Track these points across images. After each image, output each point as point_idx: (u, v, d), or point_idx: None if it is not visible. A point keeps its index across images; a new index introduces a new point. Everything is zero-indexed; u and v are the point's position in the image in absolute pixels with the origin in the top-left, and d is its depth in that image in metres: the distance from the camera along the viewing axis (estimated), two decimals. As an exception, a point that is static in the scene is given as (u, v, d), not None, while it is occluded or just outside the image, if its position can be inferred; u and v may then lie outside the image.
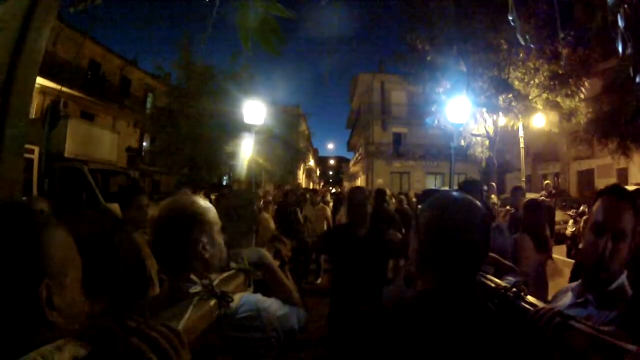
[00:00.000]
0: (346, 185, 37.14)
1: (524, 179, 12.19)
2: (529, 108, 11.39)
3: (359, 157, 31.65)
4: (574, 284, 1.28)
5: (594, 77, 12.14)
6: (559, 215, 9.79)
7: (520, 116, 11.46)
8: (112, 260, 2.10)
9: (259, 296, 1.14)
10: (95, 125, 11.70)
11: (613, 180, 14.18)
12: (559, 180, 20.06)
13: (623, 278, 1.13)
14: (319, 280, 6.86)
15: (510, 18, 1.59)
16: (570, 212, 10.05)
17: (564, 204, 12.09)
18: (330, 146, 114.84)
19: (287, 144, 18.89)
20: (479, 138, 13.14)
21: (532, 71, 11.22)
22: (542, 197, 8.49)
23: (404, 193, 10.40)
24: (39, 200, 2.73)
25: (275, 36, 1.32)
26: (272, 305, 1.15)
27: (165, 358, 0.60)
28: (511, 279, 1.12)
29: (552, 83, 11.19)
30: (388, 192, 7.99)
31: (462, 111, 7.50)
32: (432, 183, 24.41)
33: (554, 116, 11.85)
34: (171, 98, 13.50)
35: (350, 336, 0.90)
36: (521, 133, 12.10)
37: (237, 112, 10.47)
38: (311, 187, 29.50)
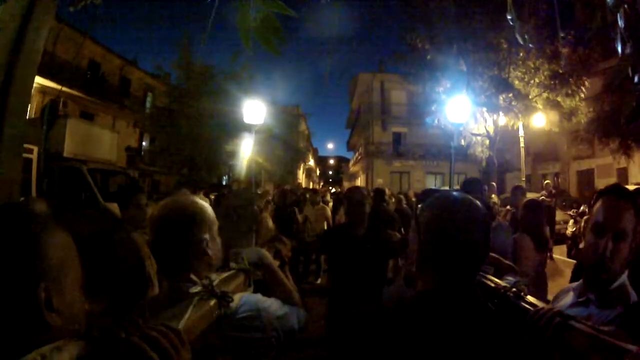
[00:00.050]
0: (346, 185, 37.13)
1: (524, 179, 12.19)
2: (529, 107, 11.39)
3: (359, 157, 31.65)
4: (576, 283, 1.28)
5: (595, 77, 12.13)
6: (559, 215, 9.79)
7: (520, 116, 11.46)
8: (111, 260, 2.10)
9: (259, 296, 1.14)
10: (95, 125, 11.69)
11: (613, 180, 14.19)
12: (559, 180, 20.06)
13: (624, 278, 1.13)
14: (319, 281, 6.86)
15: (509, 17, 1.59)
16: (570, 212, 10.05)
17: (564, 203, 12.10)
18: (330, 146, 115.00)
19: (287, 143, 18.91)
20: (479, 137, 13.14)
21: (533, 70, 11.22)
22: (543, 197, 8.49)
23: (403, 193, 10.40)
24: (37, 200, 2.71)
25: (276, 36, 1.31)
26: (272, 305, 1.15)
27: (166, 357, 0.60)
28: (511, 279, 1.12)
29: (552, 82, 11.20)
30: (387, 191, 7.99)
31: (462, 111, 7.50)
32: (432, 183, 24.40)
33: (554, 116, 11.85)
34: (171, 98, 13.50)
35: (350, 336, 0.89)
36: (521, 132, 12.10)
37: (236, 112, 10.47)
38: (311, 187, 29.49)
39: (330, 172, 63.41)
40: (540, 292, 2.79)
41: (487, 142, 12.79)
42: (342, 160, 60.52)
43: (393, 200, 7.92)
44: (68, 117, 8.69)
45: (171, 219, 1.08)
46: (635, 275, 1.20)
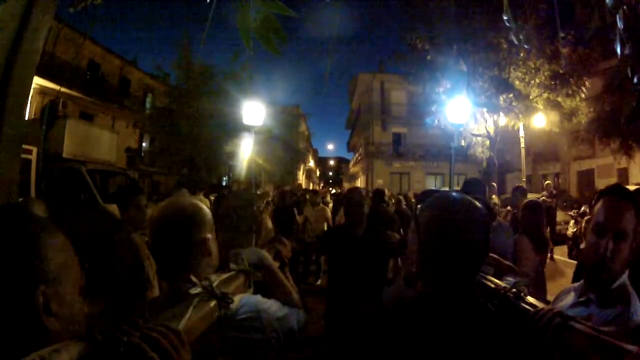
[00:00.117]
0: (346, 186, 37.14)
1: (524, 179, 12.19)
2: (530, 108, 11.39)
3: (359, 158, 31.65)
4: (577, 283, 1.28)
5: (595, 77, 12.14)
6: (559, 216, 9.79)
7: (521, 116, 11.46)
8: (110, 261, 2.09)
9: (258, 297, 1.14)
10: (94, 125, 11.69)
11: (613, 180, 14.18)
12: (559, 181, 20.06)
13: (624, 277, 1.14)
14: (319, 281, 6.86)
15: (505, 18, 1.59)
16: (571, 213, 10.05)
17: (564, 204, 12.10)
18: (330, 147, 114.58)
19: (286, 144, 18.89)
20: (479, 138, 13.13)
21: (533, 71, 11.22)
22: (543, 198, 8.49)
23: (403, 194, 10.41)
24: (36, 201, 2.71)
25: (277, 35, 1.31)
26: (272, 306, 1.15)
27: (166, 358, 0.60)
28: (511, 279, 1.12)
29: (552, 83, 11.20)
30: (387, 192, 7.99)
31: (463, 111, 7.51)
32: (432, 183, 24.40)
33: (554, 116, 11.85)
34: (171, 98, 13.49)
35: (350, 336, 0.89)
36: (522, 133, 12.10)
37: (236, 112, 10.47)
38: (311, 187, 29.50)
39: (330, 173, 63.43)
40: (539, 292, 2.79)
41: (488, 142, 12.78)
42: (342, 161, 60.54)
43: (393, 201, 7.92)
44: (67, 117, 8.68)
45: (171, 219, 1.08)
46: (635, 275, 1.20)
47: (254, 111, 7.47)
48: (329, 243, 2.77)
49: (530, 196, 5.52)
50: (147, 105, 21.32)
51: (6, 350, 0.55)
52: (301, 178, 31.63)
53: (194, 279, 1.00)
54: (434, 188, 20.69)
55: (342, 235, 2.67)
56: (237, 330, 1.03)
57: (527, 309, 0.86)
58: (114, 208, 3.57)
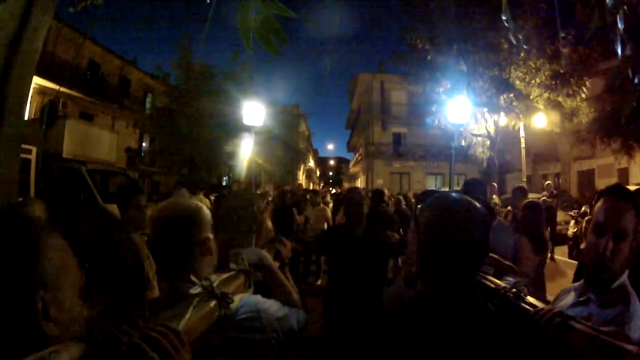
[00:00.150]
0: (346, 186, 37.14)
1: (524, 179, 12.18)
2: (530, 108, 11.38)
3: (359, 158, 31.65)
4: (577, 283, 1.28)
5: (596, 77, 12.12)
6: (560, 216, 9.78)
7: (521, 116, 11.45)
8: (110, 261, 2.09)
9: (258, 297, 1.14)
10: (94, 125, 11.68)
11: (614, 180, 14.17)
12: (560, 181, 20.05)
13: (624, 277, 1.14)
14: (319, 282, 6.86)
15: (504, 18, 1.59)
16: (571, 213, 10.04)
17: (565, 204, 12.09)
18: (330, 147, 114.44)
19: (286, 144, 18.89)
20: (479, 138, 13.12)
21: (533, 71, 11.20)
22: (544, 198, 8.49)
23: (402, 194, 10.40)
24: (35, 202, 2.71)
25: (277, 36, 1.31)
26: (272, 306, 1.15)
27: (166, 358, 0.60)
28: (511, 279, 1.12)
29: (553, 82, 11.18)
30: (387, 192, 7.99)
31: (463, 111, 7.50)
32: (432, 183, 24.38)
33: (555, 116, 11.84)
34: (171, 98, 13.49)
35: (350, 337, 0.89)
36: (522, 133, 12.09)
37: (236, 112, 10.47)
38: (311, 187, 29.50)
39: (331, 173, 63.43)
40: (539, 292, 2.79)
41: (488, 142, 12.77)
42: (342, 161, 60.54)
43: (392, 200, 7.92)
44: (67, 117, 8.68)
45: (171, 220, 1.08)
46: (635, 275, 1.20)
47: (254, 111, 7.47)
48: (328, 243, 2.78)
49: (531, 196, 5.51)
50: (147, 105, 21.32)
51: (5, 355, 0.55)
52: (301, 178, 31.63)
53: (194, 279, 1.00)
54: (434, 188, 20.68)
55: (342, 235, 2.67)
56: (237, 330, 1.04)
57: (527, 309, 0.87)
58: (113, 208, 3.57)
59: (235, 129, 12.46)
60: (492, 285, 1.00)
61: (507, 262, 1.45)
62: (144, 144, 21.70)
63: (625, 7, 1.56)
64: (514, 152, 15.19)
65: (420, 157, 24.68)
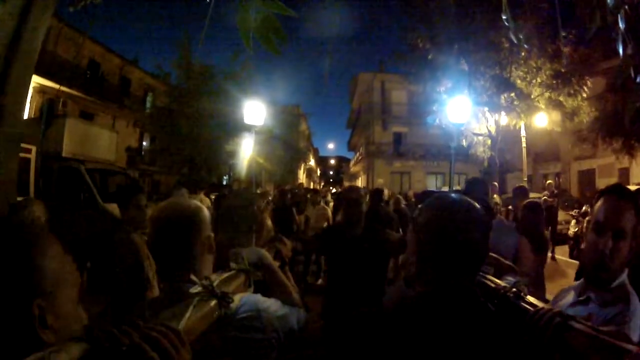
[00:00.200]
0: (347, 185, 37.14)
1: (525, 179, 12.17)
2: (531, 107, 11.37)
3: (360, 157, 31.66)
4: (577, 282, 1.28)
5: (597, 76, 12.10)
6: (561, 216, 9.77)
7: (522, 115, 11.44)
8: (110, 260, 2.09)
9: (259, 297, 1.14)
10: (94, 124, 11.68)
11: (614, 180, 14.16)
12: (560, 180, 20.03)
13: (624, 277, 1.14)
14: (320, 281, 6.86)
15: (504, 18, 1.59)
16: (572, 212, 10.03)
17: (565, 204, 12.07)
18: (331, 146, 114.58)
19: (287, 143, 18.91)
20: (480, 137, 13.11)
21: (534, 70, 11.18)
22: (545, 197, 8.49)
23: (402, 193, 10.40)
24: (35, 202, 2.70)
25: (277, 35, 1.31)
26: (272, 305, 1.15)
27: (166, 357, 0.60)
28: (511, 279, 1.12)
29: (554, 82, 11.17)
30: (386, 192, 7.98)
31: (463, 110, 7.48)
32: (432, 183, 24.38)
33: (556, 115, 11.83)
34: (171, 98, 13.49)
35: (350, 337, 0.89)
36: (523, 132, 12.07)
37: (237, 111, 10.47)
38: (312, 187, 29.51)
39: (331, 172, 63.43)
40: (539, 292, 2.79)
41: (489, 142, 12.76)
42: (342, 161, 60.54)
43: (392, 200, 7.92)
44: (67, 116, 8.67)
45: (171, 220, 1.08)
46: (635, 274, 1.20)
47: (254, 111, 7.47)
48: (327, 242, 2.77)
49: (532, 196, 5.51)
50: (148, 104, 21.33)
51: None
52: (302, 177, 31.64)
53: (194, 278, 1.00)
54: (434, 188, 20.70)
55: (340, 234, 2.66)
56: (237, 330, 1.03)
57: (527, 308, 0.86)
58: (113, 207, 3.57)
59: (235, 129, 12.46)
60: (492, 285, 1.00)
61: (507, 262, 1.45)
62: (144, 144, 21.72)
63: (626, 7, 1.56)
64: (515, 152, 15.17)
65: (420, 156, 24.68)
